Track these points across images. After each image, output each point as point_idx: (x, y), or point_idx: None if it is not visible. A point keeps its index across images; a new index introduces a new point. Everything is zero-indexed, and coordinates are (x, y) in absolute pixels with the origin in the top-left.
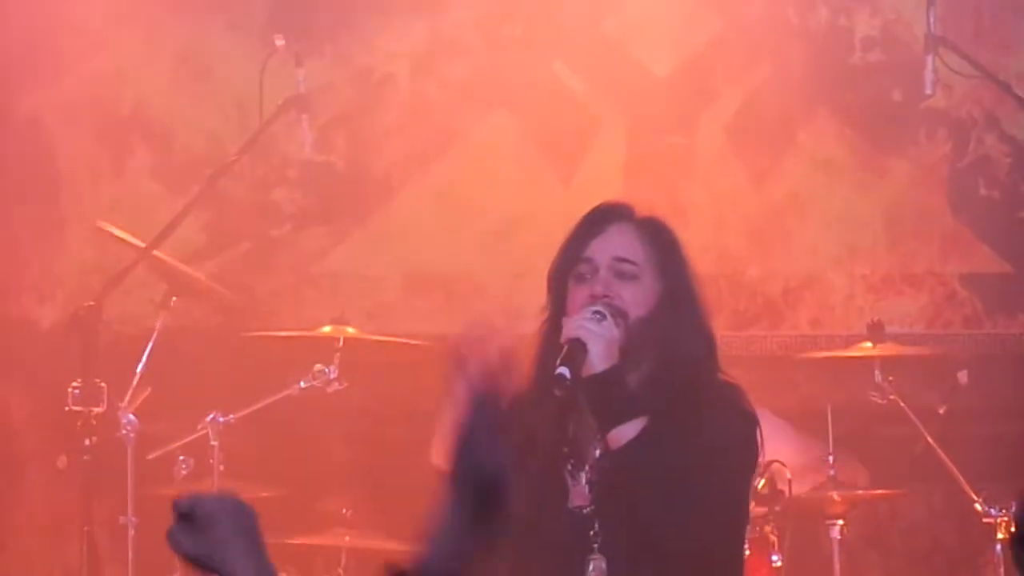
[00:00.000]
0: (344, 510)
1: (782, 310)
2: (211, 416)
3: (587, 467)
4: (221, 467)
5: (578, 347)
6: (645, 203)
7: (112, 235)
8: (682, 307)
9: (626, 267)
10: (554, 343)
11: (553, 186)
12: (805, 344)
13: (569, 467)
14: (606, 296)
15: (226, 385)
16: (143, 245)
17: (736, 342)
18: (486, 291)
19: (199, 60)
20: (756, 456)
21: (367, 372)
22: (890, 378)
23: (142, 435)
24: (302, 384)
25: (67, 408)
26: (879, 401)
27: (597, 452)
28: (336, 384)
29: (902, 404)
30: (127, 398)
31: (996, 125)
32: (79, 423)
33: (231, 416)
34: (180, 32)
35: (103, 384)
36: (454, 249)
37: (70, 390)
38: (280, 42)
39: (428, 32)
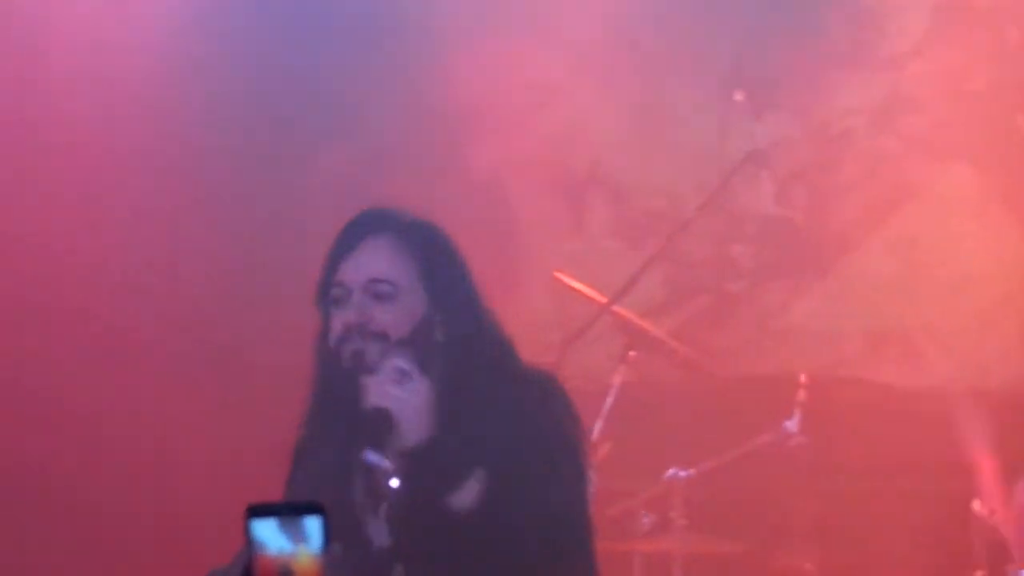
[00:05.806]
0: (806, 565)
1: None
2: (672, 472)
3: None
4: (683, 521)
5: (384, 420)
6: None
7: (568, 289)
8: (456, 320)
9: (382, 287)
10: (330, 371)
11: (1015, 240)
12: None
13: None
14: (361, 324)
15: (686, 439)
16: (603, 300)
17: None
18: (946, 345)
19: (655, 114)
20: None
21: (831, 425)
22: None
23: (602, 491)
24: (765, 437)
25: None
26: None
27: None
28: (798, 438)
29: None
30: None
31: None
32: None
33: (692, 471)
34: (635, 85)
35: None
36: (913, 303)
37: None
38: (739, 97)
39: (887, 87)
